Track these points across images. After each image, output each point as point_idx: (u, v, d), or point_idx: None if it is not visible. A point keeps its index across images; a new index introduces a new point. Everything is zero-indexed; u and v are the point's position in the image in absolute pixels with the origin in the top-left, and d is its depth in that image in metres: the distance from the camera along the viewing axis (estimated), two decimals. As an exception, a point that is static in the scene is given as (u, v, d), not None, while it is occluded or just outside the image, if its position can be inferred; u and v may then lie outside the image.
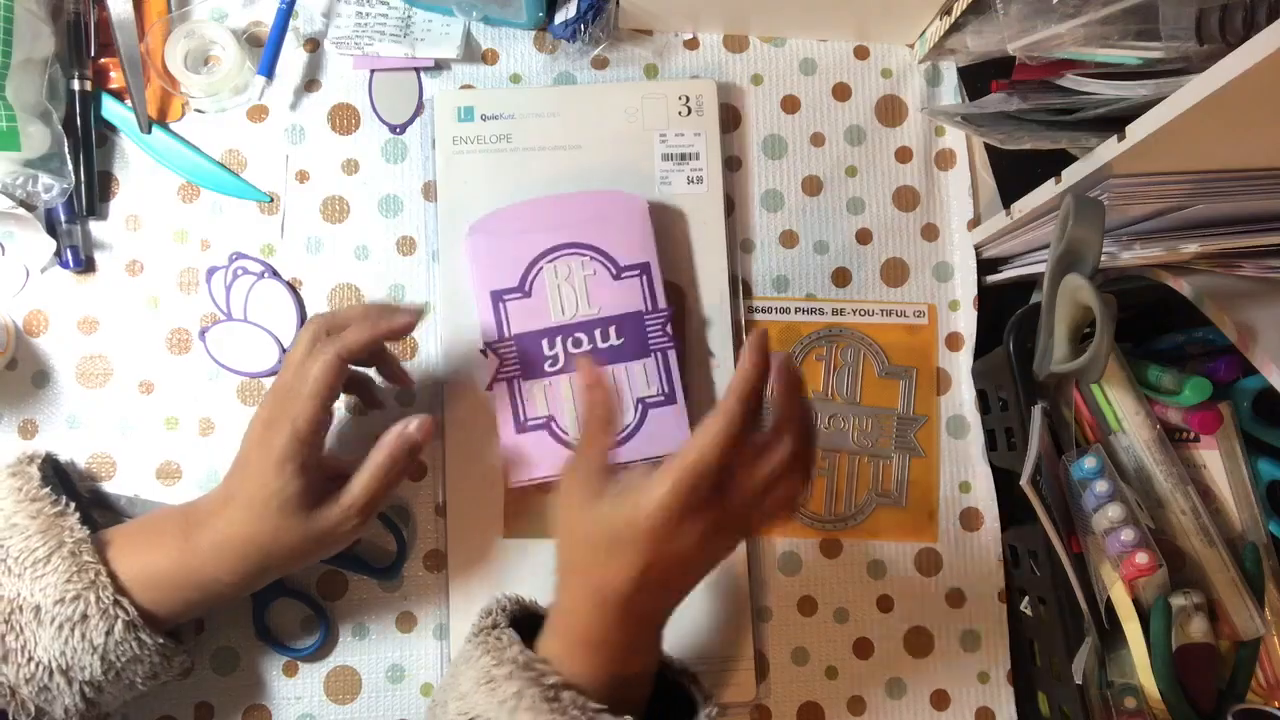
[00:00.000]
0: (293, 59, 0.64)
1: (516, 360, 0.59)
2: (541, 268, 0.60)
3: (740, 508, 0.45)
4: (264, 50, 0.62)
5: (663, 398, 0.59)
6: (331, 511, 0.49)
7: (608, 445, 0.47)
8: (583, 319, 0.60)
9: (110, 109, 0.61)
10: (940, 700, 0.62)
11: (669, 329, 0.60)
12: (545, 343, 0.59)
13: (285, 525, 0.48)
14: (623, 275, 0.60)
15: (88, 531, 0.49)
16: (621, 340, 0.60)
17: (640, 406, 0.59)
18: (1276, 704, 0.54)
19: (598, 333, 0.59)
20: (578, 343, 0.59)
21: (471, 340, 0.61)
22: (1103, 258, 0.48)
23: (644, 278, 0.60)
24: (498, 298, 0.59)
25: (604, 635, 0.45)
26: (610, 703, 0.44)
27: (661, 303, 0.60)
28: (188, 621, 0.55)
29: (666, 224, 0.62)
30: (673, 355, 0.60)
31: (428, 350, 0.62)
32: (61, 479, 0.56)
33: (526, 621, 0.49)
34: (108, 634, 0.47)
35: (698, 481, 0.43)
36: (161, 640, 0.49)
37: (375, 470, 0.50)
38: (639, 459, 0.59)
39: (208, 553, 0.49)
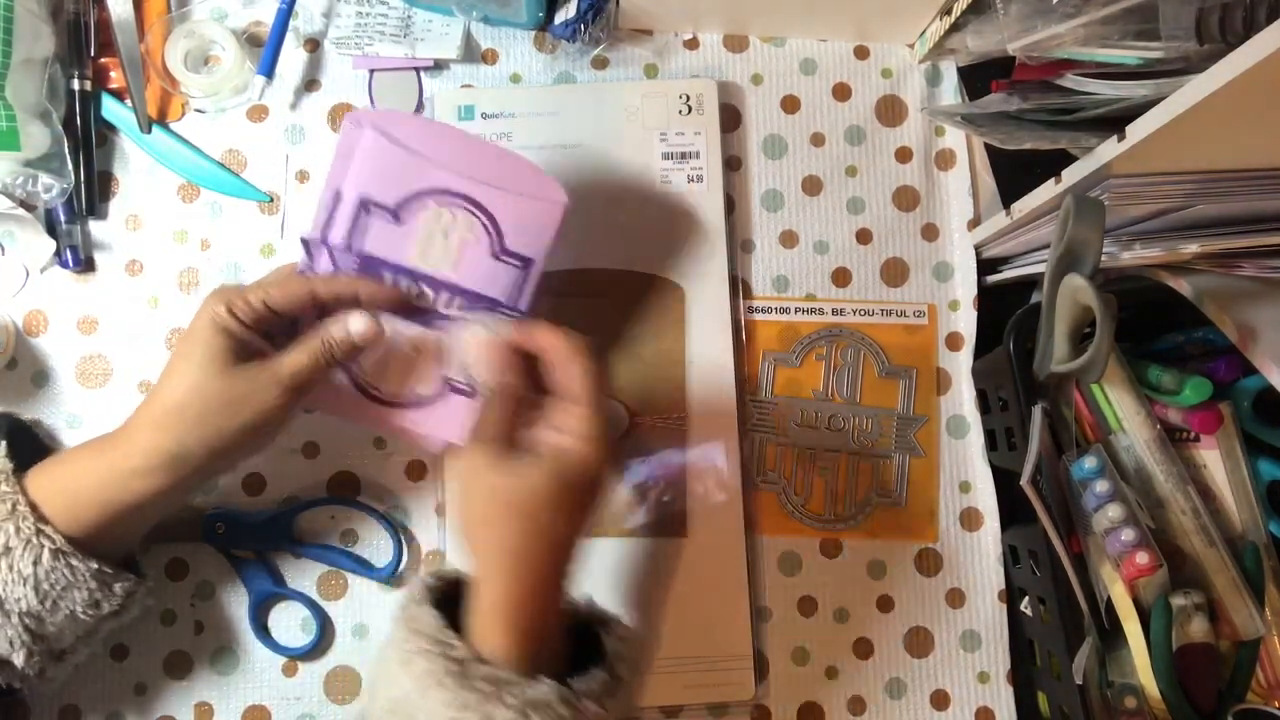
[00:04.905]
0: (293, 59, 0.64)
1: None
2: (426, 203, 0.53)
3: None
4: (264, 50, 0.62)
5: (469, 389, 0.55)
6: (255, 372, 0.48)
7: (509, 419, 0.48)
8: (439, 276, 0.54)
9: (110, 109, 0.61)
10: (940, 700, 0.62)
11: None
12: (389, 277, 0.54)
13: (206, 381, 0.47)
14: (502, 257, 0.54)
15: (10, 465, 0.49)
16: (462, 316, 0.55)
17: (445, 385, 0.55)
18: (1276, 704, 0.54)
19: (444, 294, 0.54)
20: (420, 295, 0.54)
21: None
22: (1103, 258, 0.48)
23: (522, 272, 0.55)
24: (365, 206, 0.53)
25: (530, 593, 0.45)
26: (531, 663, 0.44)
27: (524, 305, 0.55)
28: (134, 547, 0.54)
29: (667, 223, 0.62)
30: None
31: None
32: (22, 435, 0.55)
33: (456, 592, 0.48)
34: (35, 563, 0.47)
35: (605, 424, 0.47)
36: (95, 566, 0.48)
37: (310, 349, 0.49)
38: (418, 432, 0.56)
39: (124, 445, 0.48)
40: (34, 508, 0.47)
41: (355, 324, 0.50)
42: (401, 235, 0.54)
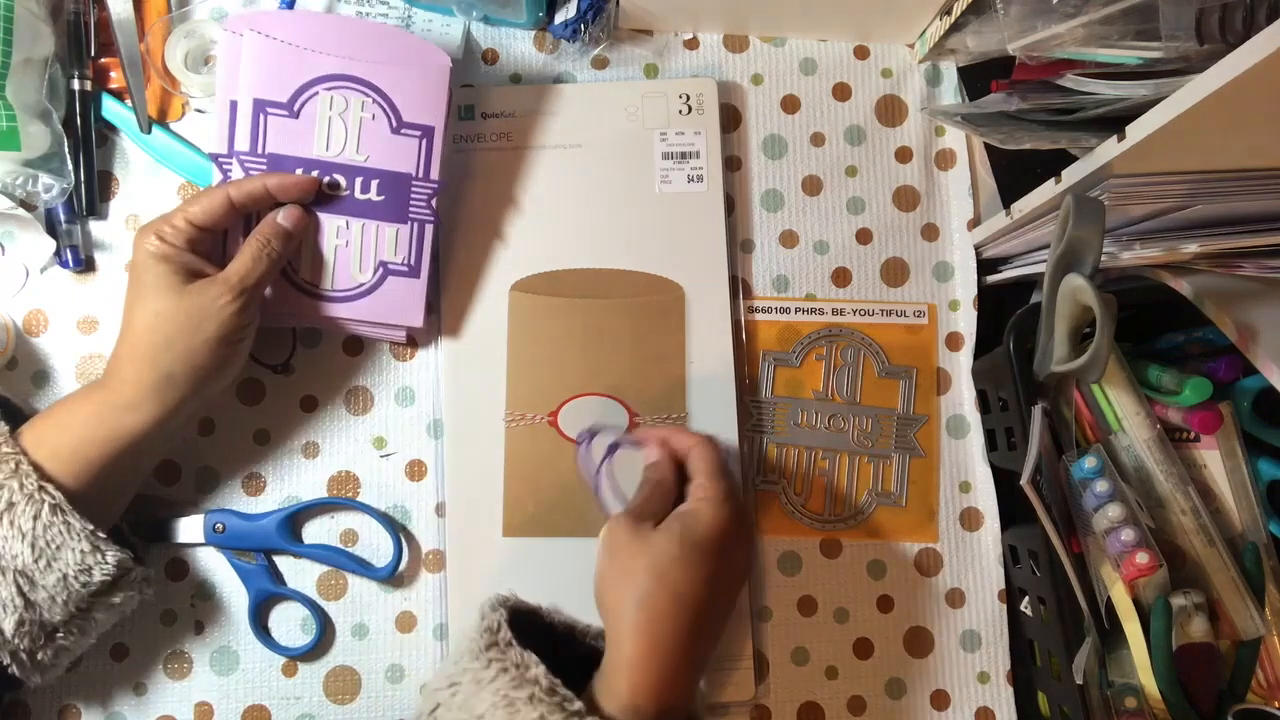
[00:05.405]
0: (293, 59, 0.63)
1: None
2: (317, 93, 0.55)
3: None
4: (264, 50, 0.61)
5: (407, 269, 0.57)
6: (205, 285, 0.51)
7: (659, 508, 0.52)
8: (348, 162, 0.56)
9: (110, 109, 0.61)
10: (940, 700, 0.62)
11: (434, 204, 0.57)
12: (301, 173, 0.56)
13: (164, 306, 0.50)
14: (402, 131, 0.56)
15: (6, 428, 0.50)
16: (382, 198, 0.56)
17: (382, 269, 0.57)
18: (1276, 704, 0.54)
19: (358, 181, 0.56)
20: (335, 185, 0.56)
21: (467, 348, 0.61)
22: (1103, 258, 0.48)
23: (425, 142, 0.56)
24: (261, 108, 0.55)
25: (657, 651, 0.46)
26: None
27: (435, 174, 0.56)
28: (124, 508, 0.55)
29: (667, 223, 0.63)
30: (430, 230, 0.57)
31: (426, 351, 0.62)
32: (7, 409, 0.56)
33: (525, 627, 0.49)
34: (35, 518, 0.48)
35: (734, 483, 0.52)
36: (90, 527, 0.49)
37: (248, 249, 0.53)
38: (367, 320, 0.58)
39: (111, 383, 0.51)
40: (38, 467, 0.49)
41: (281, 214, 0.54)
42: (302, 129, 0.55)
